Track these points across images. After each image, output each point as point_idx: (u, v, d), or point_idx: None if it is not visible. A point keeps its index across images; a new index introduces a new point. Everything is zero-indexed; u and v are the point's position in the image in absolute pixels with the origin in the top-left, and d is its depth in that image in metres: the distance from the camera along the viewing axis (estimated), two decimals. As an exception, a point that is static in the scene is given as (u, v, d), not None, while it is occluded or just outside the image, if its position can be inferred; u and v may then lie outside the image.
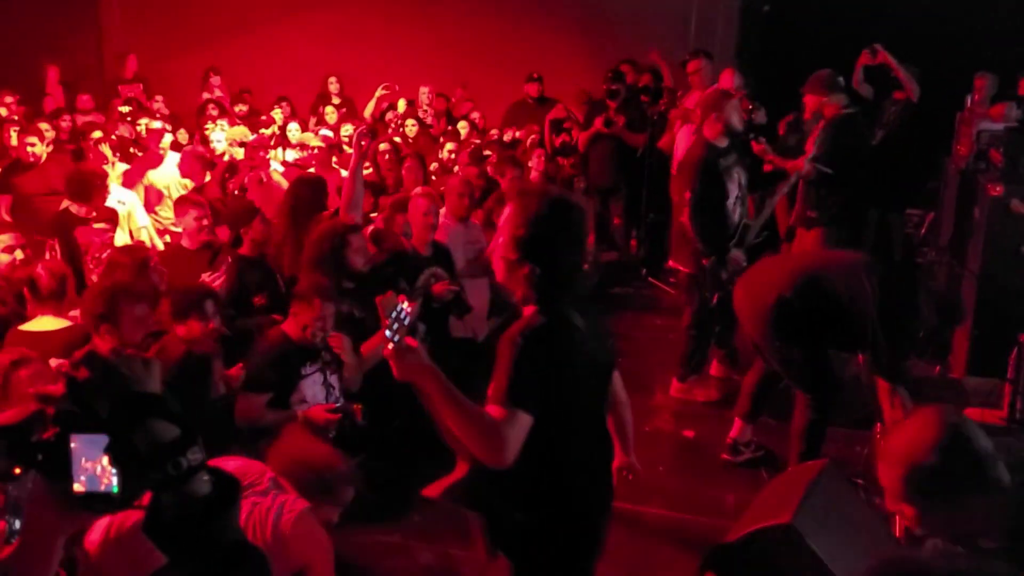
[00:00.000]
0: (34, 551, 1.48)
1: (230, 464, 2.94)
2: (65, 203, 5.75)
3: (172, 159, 7.07)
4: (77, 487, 1.34)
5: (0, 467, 1.39)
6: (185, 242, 5.31)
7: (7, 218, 6.40)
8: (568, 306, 2.51)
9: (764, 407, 4.96)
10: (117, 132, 7.73)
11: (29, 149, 6.51)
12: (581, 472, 2.61)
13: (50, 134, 7.06)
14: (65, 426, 1.36)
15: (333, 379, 4.30)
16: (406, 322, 2.30)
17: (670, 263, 6.10)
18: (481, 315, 5.71)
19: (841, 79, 6.16)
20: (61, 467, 1.34)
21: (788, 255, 5.25)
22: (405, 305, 2.31)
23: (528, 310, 2.50)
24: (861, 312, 4.21)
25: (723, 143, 5.34)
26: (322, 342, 4.22)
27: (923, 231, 6.97)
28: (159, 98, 9.61)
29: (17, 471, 1.38)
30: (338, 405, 4.21)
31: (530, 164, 7.28)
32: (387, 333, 2.28)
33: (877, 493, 4.48)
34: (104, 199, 5.85)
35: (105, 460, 1.33)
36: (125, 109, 8.63)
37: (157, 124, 7.31)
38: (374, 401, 4.45)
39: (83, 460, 1.34)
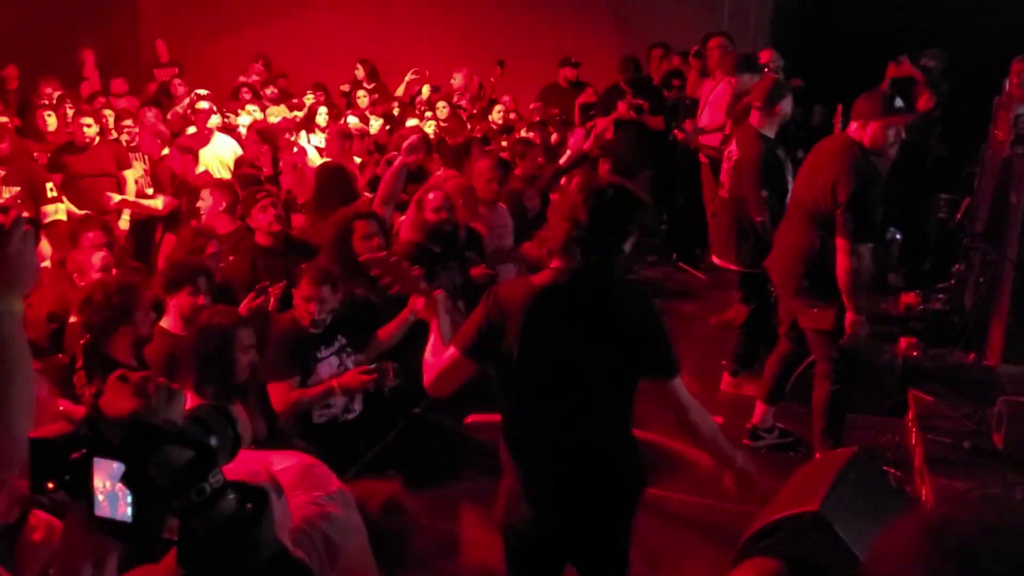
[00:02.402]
0: (62, 571, 1.50)
1: (288, 460, 2.71)
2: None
3: (217, 139, 7.29)
4: (98, 511, 1.33)
5: (33, 481, 1.38)
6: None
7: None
8: (585, 279, 2.45)
9: (784, 390, 4.89)
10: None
11: (86, 131, 6.62)
12: (527, 445, 2.58)
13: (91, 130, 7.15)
14: (90, 448, 1.35)
15: (349, 362, 4.34)
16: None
17: (716, 260, 5.86)
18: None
19: (752, 58, 6.42)
20: (84, 488, 1.34)
21: (792, 210, 4.94)
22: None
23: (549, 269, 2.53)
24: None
25: (771, 133, 5.25)
26: (329, 324, 4.23)
27: (959, 216, 6.84)
28: (178, 82, 9.41)
29: (50, 486, 1.37)
30: (371, 366, 4.20)
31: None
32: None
33: (907, 481, 4.47)
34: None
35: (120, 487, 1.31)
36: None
37: (205, 105, 7.42)
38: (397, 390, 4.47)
39: (104, 484, 1.32)
